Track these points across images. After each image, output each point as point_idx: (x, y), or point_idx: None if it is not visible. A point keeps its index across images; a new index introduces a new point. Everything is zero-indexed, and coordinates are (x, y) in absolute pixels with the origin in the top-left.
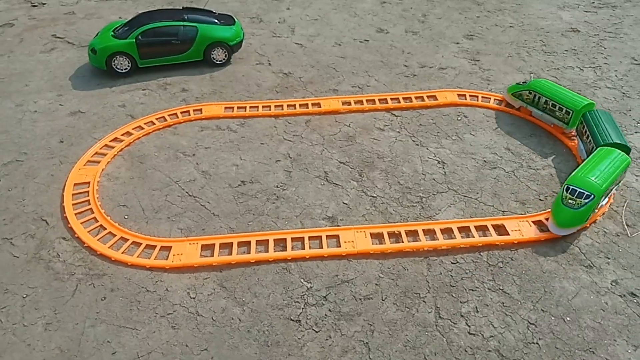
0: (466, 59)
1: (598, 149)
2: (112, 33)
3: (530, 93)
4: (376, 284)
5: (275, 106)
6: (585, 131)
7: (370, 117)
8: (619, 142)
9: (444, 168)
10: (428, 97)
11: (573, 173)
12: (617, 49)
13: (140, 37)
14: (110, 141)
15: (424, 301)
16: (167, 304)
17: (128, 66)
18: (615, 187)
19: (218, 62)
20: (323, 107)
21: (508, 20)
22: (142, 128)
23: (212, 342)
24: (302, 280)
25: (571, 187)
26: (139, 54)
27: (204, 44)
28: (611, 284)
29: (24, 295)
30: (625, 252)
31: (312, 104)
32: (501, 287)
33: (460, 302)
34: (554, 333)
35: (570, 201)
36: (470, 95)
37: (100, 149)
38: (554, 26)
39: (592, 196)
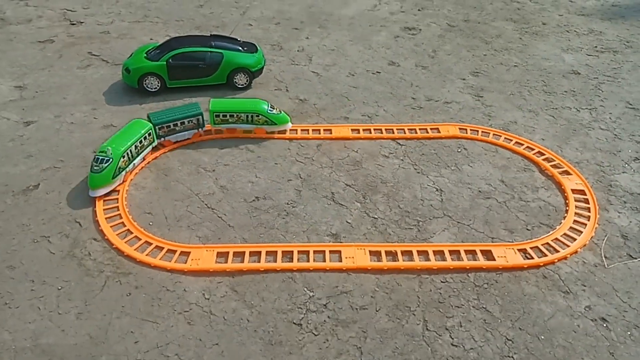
0: (470, 94)
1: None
2: (145, 55)
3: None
4: (372, 297)
5: (290, 130)
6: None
7: (376, 145)
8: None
9: (441, 195)
10: (432, 129)
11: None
12: (613, 92)
13: (171, 60)
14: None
15: (413, 314)
16: (184, 303)
17: (158, 86)
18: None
19: (240, 86)
20: (334, 133)
21: (513, 59)
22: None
23: (223, 338)
24: (305, 289)
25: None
26: (169, 75)
27: (228, 69)
28: (584, 309)
29: (59, 287)
30: (601, 281)
31: (324, 130)
32: (484, 306)
33: (446, 316)
34: (529, 349)
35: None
36: (471, 130)
37: None
38: (556, 67)
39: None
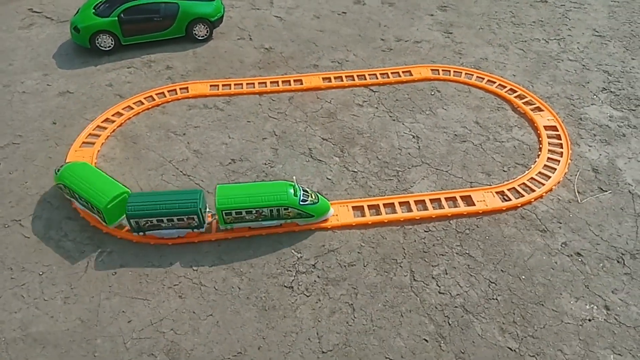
0: (440, 31)
1: None
2: (94, 10)
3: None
4: (358, 252)
5: (259, 83)
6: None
7: (350, 93)
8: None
9: (418, 142)
10: (403, 72)
11: None
12: (580, 20)
13: (122, 15)
14: (102, 122)
15: (400, 266)
16: (173, 276)
17: (111, 44)
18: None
19: (200, 38)
20: (305, 83)
21: None
22: (132, 108)
23: (216, 308)
24: (292, 251)
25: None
26: (122, 31)
27: (186, 21)
28: (561, 246)
29: (40, 273)
30: (575, 217)
31: (295, 81)
32: (467, 252)
33: (432, 265)
34: (511, 290)
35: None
36: (442, 70)
37: (93, 130)
38: None
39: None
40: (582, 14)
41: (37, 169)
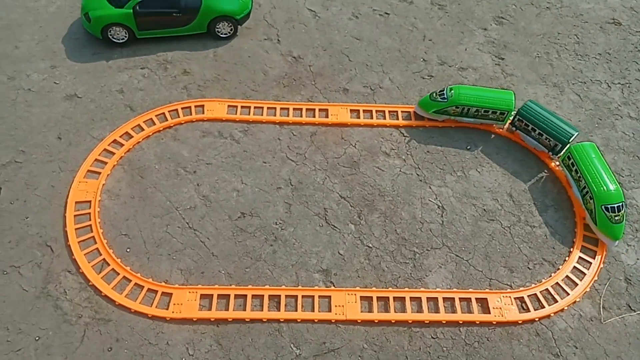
0: (490, 54)
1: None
2: None
3: (457, 107)
4: (359, 356)
5: (281, 109)
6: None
7: (377, 136)
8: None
9: (442, 216)
10: None
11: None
12: None
13: (138, 7)
14: (110, 144)
15: None
16: None
17: (125, 36)
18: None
19: (223, 36)
20: (330, 116)
21: None
22: (142, 128)
23: None
24: (292, 345)
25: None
26: (137, 25)
27: (208, 18)
28: None
29: (37, 338)
30: (594, 342)
31: (320, 110)
32: None
33: None
34: None
35: (434, 96)
36: None
37: (100, 155)
38: (594, 13)
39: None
40: None
41: (39, 201)
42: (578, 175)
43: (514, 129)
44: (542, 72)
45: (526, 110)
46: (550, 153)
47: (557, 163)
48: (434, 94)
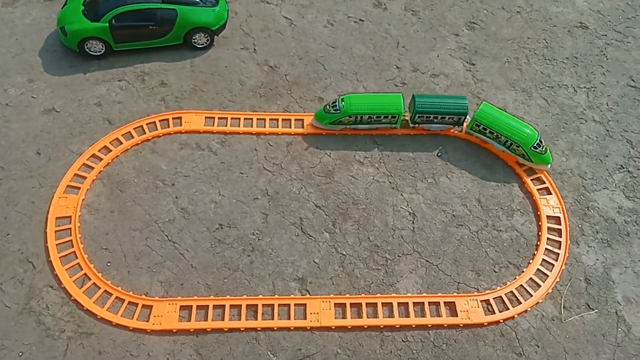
0: (462, 60)
1: None
2: (83, 8)
3: (350, 117)
4: None
5: (258, 119)
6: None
7: (352, 144)
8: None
9: (413, 222)
10: None
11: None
12: (618, 61)
13: (114, 20)
14: (88, 158)
15: None
16: None
17: (102, 49)
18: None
19: (200, 47)
20: (306, 126)
21: (517, 1)
22: (120, 142)
23: None
24: (269, 352)
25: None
26: (114, 38)
27: (184, 29)
28: None
29: (20, 353)
30: (554, 340)
31: (296, 120)
32: None
33: None
34: None
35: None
36: None
37: (79, 169)
38: (563, 17)
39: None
40: (622, 52)
41: (20, 217)
42: (494, 134)
43: (415, 125)
44: (511, 78)
45: (420, 106)
46: (455, 126)
47: (462, 131)
48: (328, 106)
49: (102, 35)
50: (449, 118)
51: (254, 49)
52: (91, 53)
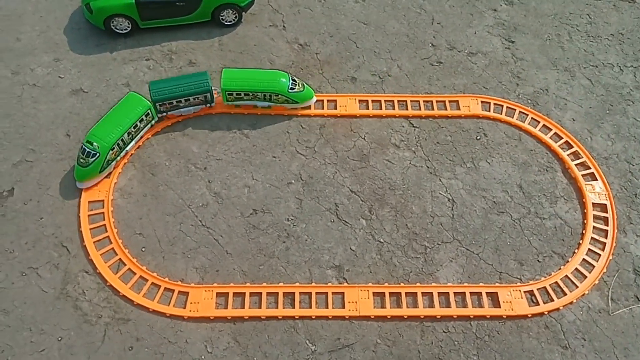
0: (500, 37)
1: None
2: None
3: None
4: (373, 351)
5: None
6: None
7: (387, 127)
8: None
9: (452, 209)
10: (450, 102)
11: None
12: None
13: None
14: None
15: None
16: (188, 358)
17: (128, 27)
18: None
19: (228, 24)
20: (339, 107)
21: None
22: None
23: None
24: (307, 341)
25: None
26: (140, 15)
27: (212, 6)
28: None
29: (59, 338)
30: (602, 334)
31: (328, 101)
32: None
33: None
34: None
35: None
36: (494, 104)
37: None
38: None
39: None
40: None
41: (52, 201)
42: (250, 95)
43: (163, 115)
44: (553, 56)
45: (157, 94)
46: (208, 105)
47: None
48: (80, 158)
49: (129, 12)
50: (195, 99)
51: (283, 27)
52: (117, 31)
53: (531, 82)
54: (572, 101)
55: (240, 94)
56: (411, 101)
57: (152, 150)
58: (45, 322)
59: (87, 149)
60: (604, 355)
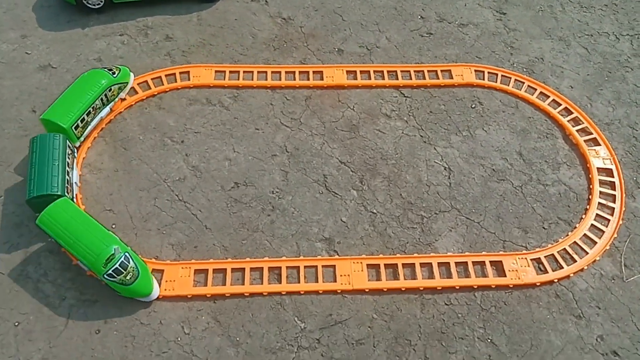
0: (492, 9)
1: None
2: None
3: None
4: (369, 327)
5: (272, 73)
6: None
7: (377, 97)
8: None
9: (449, 178)
10: (442, 71)
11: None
12: None
13: None
14: (88, 115)
15: (414, 349)
16: (162, 340)
17: (101, 2)
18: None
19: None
20: (326, 78)
21: None
22: (124, 98)
23: None
24: (296, 318)
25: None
26: None
27: None
28: (596, 340)
29: (16, 323)
30: (617, 301)
31: (314, 73)
32: (490, 337)
33: (449, 352)
34: None
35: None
36: (489, 73)
37: None
38: None
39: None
40: None
41: (14, 179)
42: (92, 112)
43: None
44: (546, 26)
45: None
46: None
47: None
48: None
49: None
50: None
51: (266, 1)
52: (89, 6)
53: (525, 51)
54: (569, 69)
55: (84, 120)
56: (401, 71)
57: (125, 124)
58: (1, 306)
59: (118, 267)
60: (621, 324)
